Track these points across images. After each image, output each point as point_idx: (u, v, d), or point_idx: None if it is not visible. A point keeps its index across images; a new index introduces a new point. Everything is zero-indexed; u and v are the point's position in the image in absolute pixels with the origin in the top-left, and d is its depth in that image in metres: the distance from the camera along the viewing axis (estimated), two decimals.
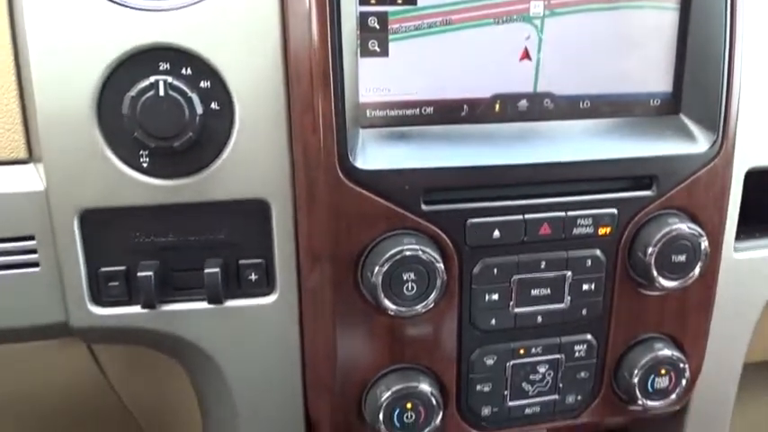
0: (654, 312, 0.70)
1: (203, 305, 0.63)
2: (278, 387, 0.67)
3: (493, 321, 0.65)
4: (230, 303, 0.63)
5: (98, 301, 0.62)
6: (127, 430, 0.96)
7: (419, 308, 0.60)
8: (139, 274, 0.60)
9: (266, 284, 0.64)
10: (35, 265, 0.60)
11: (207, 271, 0.60)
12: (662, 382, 0.70)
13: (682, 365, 0.70)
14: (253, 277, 0.63)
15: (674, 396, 0.71)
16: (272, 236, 0.62)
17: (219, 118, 0.58)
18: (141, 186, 0.59)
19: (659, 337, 0.71)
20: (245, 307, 0.64)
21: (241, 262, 0.63)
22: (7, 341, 0.66)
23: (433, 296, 0.60)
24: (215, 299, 0.61)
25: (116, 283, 0.61)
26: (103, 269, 0.61)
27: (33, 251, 0.60)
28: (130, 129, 0.56)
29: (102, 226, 0.60)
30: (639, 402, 0.70)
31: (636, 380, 0.69)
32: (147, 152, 0.58)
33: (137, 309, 0.62)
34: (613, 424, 0.79)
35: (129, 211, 0.59)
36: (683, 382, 0.71)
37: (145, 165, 0.58)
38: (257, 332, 0.65)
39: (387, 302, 0.59)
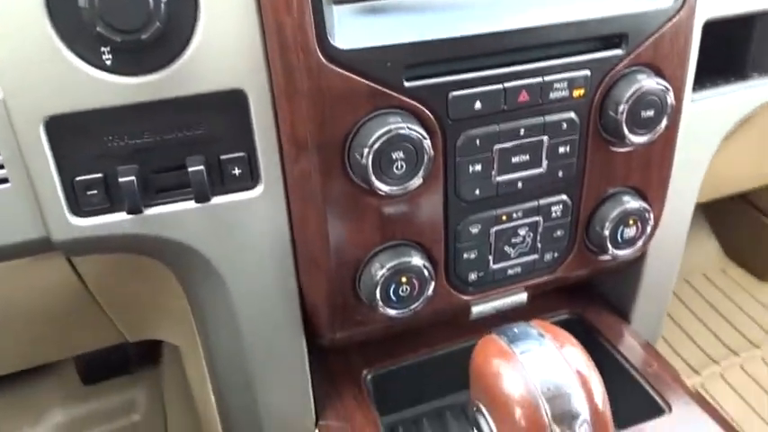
0: (622, 168, 0.73)
1: (190, 205, 0.61)
2: (272, 277, 0.68)
3: (477, 191, 0.67)
4: (216, 200, 0.62)
5: (78, 212, 0.59)
6: (107, 336, 0.96)
7: (409, 186, 0.61)
8: (120, 179, 0.57)
9: (251, 178, 0.62)
10: (4, 181, 0.56)
11: (191, 169, 0.58)
12: (630, 232, 0.75)
13: (647, 215, 0.75)
14: (236, 172, 0.61)
15: (639, 243, 0.76)
16: (251, 127, 0.60)
17: (183, 3, 0.54)
18: (106, 86, 0.55)
19: (626, 191, 0.75)
20: (232, 202, 0.62)
21: (223, 157, 0.61)
22: None
23: (421, 173, 0.61)
24: (202, 197, 0.60)
25: (95, 192, 0.58)
26: (79, 178, 0.58)
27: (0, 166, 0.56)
28: (90, 23, 0.51)
29: (71, 133, 0.56)
30: (610, 253, 0.75)
31: (607, 232, 0.74)
32: (108, 48, 0.53)
33: (121, 216, 0.60)
34: (576, 277, 0.85)
35: (98, 115, 0.56)
36: (648, 229, 0.76)
37: (108, 62, 0.54)
38: (246, 226, 0.64)
39: (378, 183, 0.60)
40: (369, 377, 0.84)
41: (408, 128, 0.58)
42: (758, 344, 1.78)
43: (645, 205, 0.74)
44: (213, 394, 0.82)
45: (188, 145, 0.59)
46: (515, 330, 0.54)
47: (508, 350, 0.51)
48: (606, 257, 0.77)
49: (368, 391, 0.83)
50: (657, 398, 0.79)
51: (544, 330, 0.53)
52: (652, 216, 0.75)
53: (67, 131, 0.56)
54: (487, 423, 0.50)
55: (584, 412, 0.48)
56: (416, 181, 0.61)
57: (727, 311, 1.88)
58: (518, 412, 0.48)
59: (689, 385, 0.81)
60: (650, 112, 0.68)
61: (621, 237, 0.75)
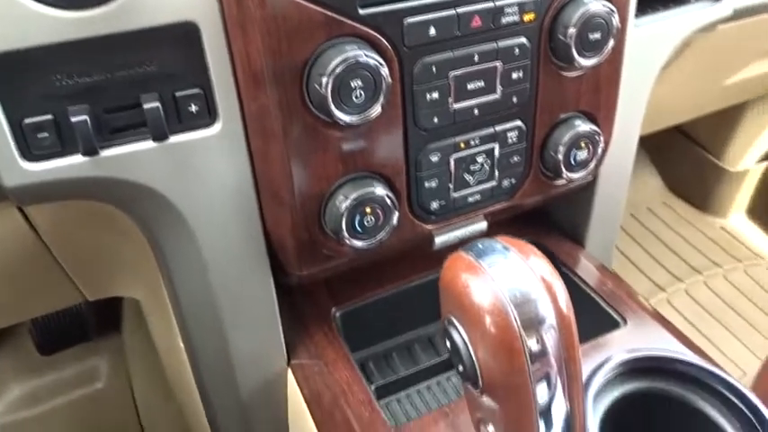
0: (572, 92, 0.75)
1: (147, 145, 0.60)
2: (236, 216, 0.68)
3: (435, 120, 0.68)
4: (174, 139, 0.61)
5: (29, 156, 0.57)
6: (64, 296, 0.94)
7: (369, 114, 0.61)
8: (72, 119, 0.55)
9: (208, 115, 0.61)
10: None
11: (146, 106, 0.57)
12: (582, 155, 0.78)
13: (597, 137, 0.77)
14: (193, 109, 0.60)
15: (591, 165, 0.79)
16: (206, 62, 0.59)
17: None
18: (48, 21, 0.53)
19: (577, 115, 0.77)
20: (190, 141, 0.62)
21: (178, 94, 0.59)
22: None
23: (380, 101, 0.61)
24: (160, 135, 0.59)
25: (45, 134, 0.56)
26: (28, 120, 0.56)
27: None
28: None
29: (14, 72, 0.54)
30: (564, 176, 0.78)
31: (561, 156, 0.76)
32: None
33: (76, 159, 0.58)
34: (533, 203, 0.87)
35: (42, 52, 0.54)
36: (599, 151, 0.78)
37: None
38: (206, 165, 0.63)
39: (338, 113, 0.60)
40: (337, 315, 0.85)
41: (366, 55, 0.59)
42: (701, 270, 1.88)
43: (595, 128, 0.76)
44: (183, 343, 0.81)
45: (141, 82, 0.58)
46: (481, 246, 0.55)
47: (476, 264, 0.53)
48: (561, 181, 0.80)
49: (337, 328, 0.84)
50: (613, 313, 0.83)
51: (508, 244, 0.55)
52: (602, 139, 0.78)
53: (11, 71, 0.54)
54: (460, 334, 0.52)
55: (550, 317, 0.50)
56: (375, 109, 0.61)
57: (672, 242, 1.97)
58: (488, 320, 0.49)
59: None
60: (597, 35, 0.70)
61: (574, 160, 0.77)
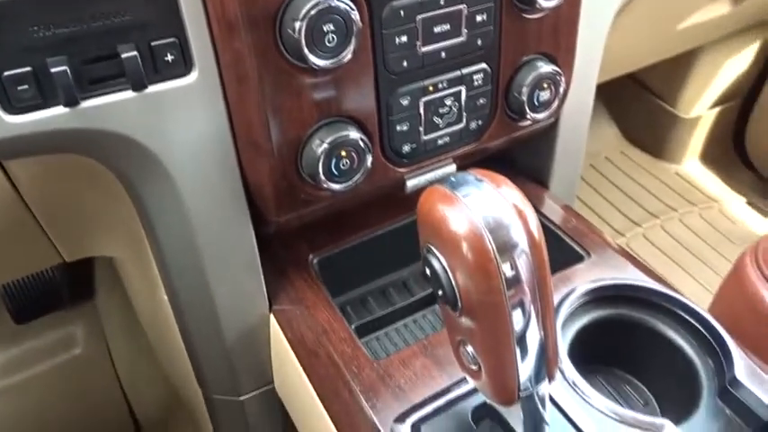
0: (534, 34, 0.78)
1: (127, 95, 0.61)
2: (214, 164, 0.69)
3: (404, 63, 0.70)
4: (153, 89, 0.62)
5: (10, 109, 0.58)
6: (43, 256, 0.94)
7: (342, 59, 0.63)
8: (53, 70, 0.56)
9: (184, 64, 0.63)
10: None
11: (124, 56, 0.58)
12: (544, 96, 0.81)
13: (558, 78, 0.81)
14: (169, 58, 0.61)
15: (554, 106, 0.83)
16: (180, 10, 0.60)
17: None
18: None
19: (539, 57, 0.80)
20: (169, 90, 0.63)
21: (154, 44, 0.60)
22: None
23: (352, 45, 0.63)
24: (139, 84, 0.60)
25: (26, 87, 0.57)
26: (7, 73, 0.56)
27: None
28: None
29: None
30: (528, 117, 0.81)
31: (524, 97, 0.80)
32: None
33: (57, 110, 0.59)
34: (499, 145, 0.90)
35: (19, 3, 0.54)
36: (561, 92, 0.82)
37: None
38: (184, 113, 0.65)
39: (312, 57, 0.62)
40: (315, 261, 0.88)
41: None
42: (657, 215, 1.96)
43: (557, 69, 0.80)
44: (167, 296, 0.83)
45: (117, 33, 0.59)
46: (454, 179, 0.58)
47: (451, 195, 0.55)
48: (526, 122, 0.83)
49: (316, 274, 0.87)
50: (578, 247, 0.88)
51: (481, 176, 0.58)
52: (563, 80, 0.81)
53: None
54: (439, 260, 0.55)
55: (522, 241, 0.54)
56: (348, 53, 0.64)
57: (629, 189, 2.04)
58: (465, 246, 0.52)
59: None
60: None
61: (538, 100, 0.81)
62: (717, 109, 2.02)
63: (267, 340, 0.86)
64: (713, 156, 2.11)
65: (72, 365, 1.47)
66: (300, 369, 0.78)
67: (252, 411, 0.93)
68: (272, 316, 0.83)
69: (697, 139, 2.08)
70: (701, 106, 2.00)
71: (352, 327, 0.81)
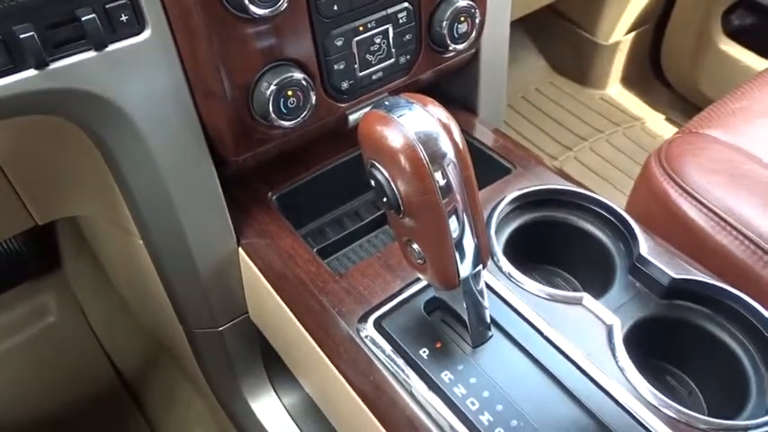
0: None
1: (90, 54, 0.68)
2: (175, 112, 0.77)
3: (335, 7, 0.79)
4: (112, 47, 0.69)
5: None
6: (14, 220, 1.00)
7: (279, 7, 0.72)
8: (21, 36, 0.63)
9: (137, 23, 0.70)
10: None
11: (84, 18, 0.65)
12: (463, 28, 0.91)
13: (474, 11, 0.90)
14: (124, 18, 0.68)
15: (472, 37, 0.92)
16: None
17: None
18: None
19: None
20: (126, 47, 0.70)
21: (108, 6, 0.67)
22: None
23: None
24: (100, 44, 0.67)
25: None
26: None
27: None
28: None
29: None
30: (450, 48, 0.91)
31: (445, 30, 0.89)
32: None
33: (29, 73, 0.65)
34: (429, 78, 1.00)
35: None
36: (477, 23, 0.92)
37: None
38: (143, 68, 0.72)
39: (252, 7, 0.70)
40: (274, 198, 0.97)
41: None
42: (586, 137, 2.10)
43: (471, 3, 0.89)
44: (143, 241, 0.91)
45: None
46: (388, 102, 0.67)
47: (387, 116, 0.65)
48: (449, 54, 0.93)
49: (276, 209, 0.96)
50: (504, 161, 0.99)
51: (411, 98, 0.68)
52: (478, 12, 0.91)
53: None
54: (381, 173, 0.65)
55: (449, 152, 0.64)
56: (284, 2, 0.72)
57: (559, 116, 2.18)
58: (402, 157, 0.62)
59: None
60: None
61: (457, 32, 0.90)
62: (633, 34, 2.15)
63: (238, 272, 0.95)
64: (633, 78, 2.26)
65: (48, 333, 1.53)
66: (273, 291, 0.87)
67: (230, 340, 1.03)
68: (240, 249, 0.93)
69: (617, 64, 2.22)
70: (618, 32, 2.13)
71: (314, 250, 0.91)
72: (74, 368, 1.47)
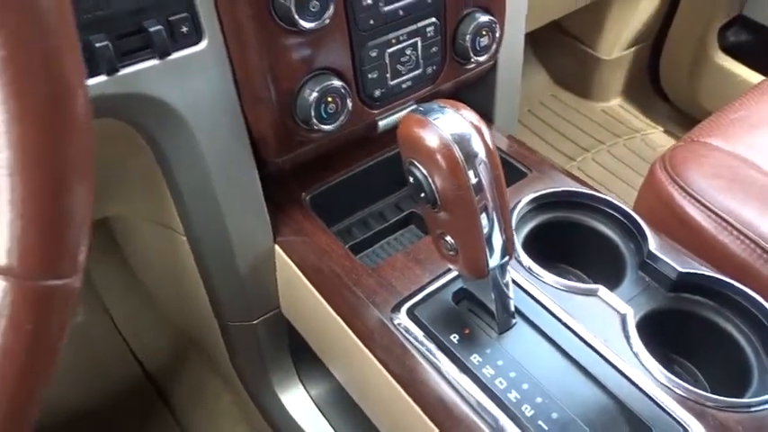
0: None
1: (154, 62, 0.75)
2: (224, 115, 0.83)
3: (371, 22, 0.86)
4: (174, 56, 0.76)
5: None
6: None
7: (324, 21, 0.79)
8: (97, 45, 0.69)
9: (196, 34, 0.77)
10: None
11: (152, 29, 0.72)
12: (484, 41, 0.98)
13: (494, 26, 0.98)
14: (184, 30, 0.75)
15: (492, 49, 1.00)
16: None
17: None
18: None
19: (477, 10, 0.97)
20: (185, 56, 0.77)
21: (171, 19, 0.74)
22: None
23: (331, 9, 0.78)
24: (164, 52, 0.74)
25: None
26: None
27: None
28: None
29: None
30: (472, 60, 0.98)
31: (468, 43, 0.96)
32: None
33: (100, 78, 0.72)
34: (451, 88, 1.07)
35: None
36: (497, 37, 0.99)
37: None
38: (200, 75, 0.79)
39: (301, 21, 0.77)
40: (307, 199, 1.03)
41: None
42: (588, 149, 2.18)
43: (492, 18, 0.97)
44: (187, 238, 0.97)
45: (142, 12, 0.72)
46: (423, 108, 0.73)
47: (423, 119, 0.71)
48: (470, 65, 1.00)
49: (309, 209, 1.02)
50: (521, 166, 1.06)
51: (443, 103, 0.75)
52: (498, 27, 0.98)
53: None
54: (420, 170, 0.71)
55: (481, 152, 0.71)
56: (328, 16, 0.79)
57: (563, 128, 2.25)
58: (439, 156, 0.68)
59: None
60: None
61: (479, 45, 0.97)
62: (633, 49, 2.24)
63: (273, 269, 1.01)
64: (633, 92, 2.34)
65: (75, 334, 1.58)
66: (309, 285, 0.94)
67: (262, 333, 1.09)
68: (276, 246, 0.99)
69: (618, 79, 2.30)
70: (618, 48, 2.21)
71: (347, 246, 0.98)
72: (101, 367, 1.52)
